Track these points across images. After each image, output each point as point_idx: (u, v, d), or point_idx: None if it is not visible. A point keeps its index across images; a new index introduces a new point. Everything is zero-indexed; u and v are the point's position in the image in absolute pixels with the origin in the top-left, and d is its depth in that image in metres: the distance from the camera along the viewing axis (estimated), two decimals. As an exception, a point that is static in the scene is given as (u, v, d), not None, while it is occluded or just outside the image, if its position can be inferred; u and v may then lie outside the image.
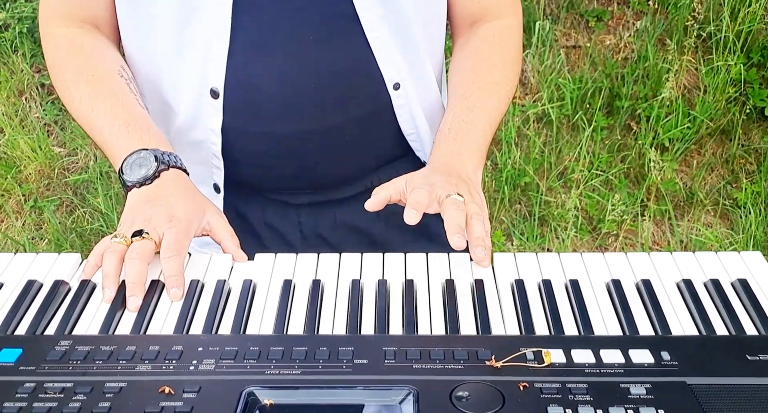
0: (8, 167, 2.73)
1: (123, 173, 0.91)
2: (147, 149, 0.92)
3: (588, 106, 2.88)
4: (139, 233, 0.85)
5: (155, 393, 0.67)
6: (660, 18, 3.09)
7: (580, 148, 2.74)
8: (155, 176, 0.90)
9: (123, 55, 1.06)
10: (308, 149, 1.02)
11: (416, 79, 1.03)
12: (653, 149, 2.76)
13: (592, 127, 2.76)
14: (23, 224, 2.63)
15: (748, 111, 2.85)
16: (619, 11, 3.23)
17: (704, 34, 2.97)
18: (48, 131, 2.86)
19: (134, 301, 0.81)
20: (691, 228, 2.66)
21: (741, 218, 2.62)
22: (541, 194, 2.64)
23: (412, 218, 0.84)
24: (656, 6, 3.11)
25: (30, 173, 2.73)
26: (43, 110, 2.86)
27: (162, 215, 0.87)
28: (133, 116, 0.96)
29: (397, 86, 1.01)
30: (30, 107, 2.90)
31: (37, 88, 2.92)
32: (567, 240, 2.53)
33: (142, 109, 0.99)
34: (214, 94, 0.97)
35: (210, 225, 0.92)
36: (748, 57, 2.93)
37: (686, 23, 2.94)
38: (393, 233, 1.15)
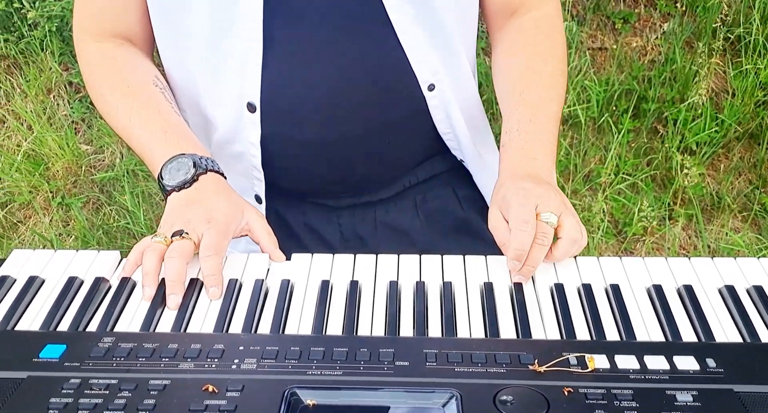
0: (36, 164, 2.75)
1: (162, 178, 0.92)
2: (185, 155, 0.93)
3: (614, 108, 2.86)
4: (179, 233, 0.85)
5: (199, 391, 0.68)
6: (688, 20, 3.06)
7: (607, 151, 2.72)
8: (194, 180, 0.91)
9: (160, 69, 1.07)
10: (347, 153, 1.02)
11: (453, 78, 1.03)
12: (680, 152, 2.73)
13: (619, 130, 2.74)
14: (50, 221, 2.66)
15: (777, 115, 2.82)
16: (646, 13, 3.20)
17: (732, 37, 2.94)
18: (75, 128, 2.89)
19: (174, 299, 0.82)
20: (719, 233, 2.63)
21: (769, 223, 2.58)
22: (567, 197, 2.62)
23: (515, 267, 0.84)
24: (684, 8, 3.08)
25: (57, 170, 2.76)
26: (71, 108, 2.89)
27: (201, 217, 0.88)
28: (170, 123, 0.97)
29: (431, 87, 1.01)
30: (58, 104, 2.93)
31: (65, 86, 2.95)
32: (592, 244, 2.51)
33: (178, 116, 1.00)
34: (251, 107, 0.98)
35: (249, 226, 0.92)
36: (777, 60, 2.89)
37: (714, 26, 2.90)
38: (432, 232, 1.14)
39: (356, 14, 0.95)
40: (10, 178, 2.72)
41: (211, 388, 0.68)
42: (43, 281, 0.87)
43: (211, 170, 0.93)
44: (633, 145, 2.81)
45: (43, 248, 2.62)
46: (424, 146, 1.09)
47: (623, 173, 2.70)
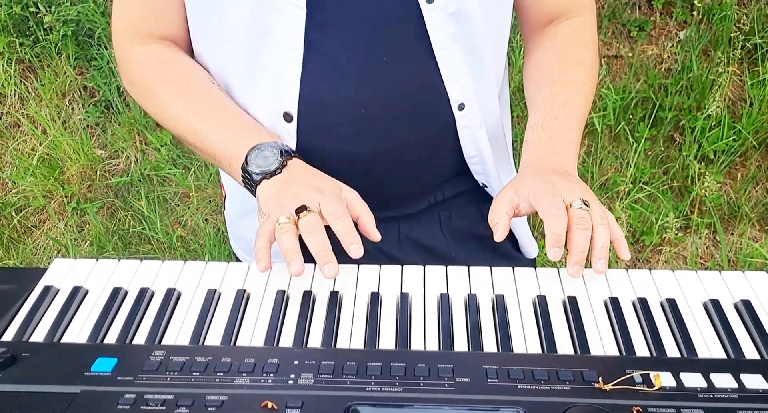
0: (51, 169, 2.74)
1: (248, 168, 0.90)
2: (267, 143, 0.92)
3: (630, 117, 2.85)
4: (301, 209, 0.84)
5: (258, 408, 0.66)
6: (704, 28, 3.05)
7: (623, 160, 2.71)
8: (283, 165, 0.90)
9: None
10: (379, 167, 1.01)
11: (480, 98, 1.02)
12: (697, 161, 2.72)
13: (635, 139, 2.73)
14: (65, 226, 2.64)
15: (795, 124, 2.80)
16: (662, 21, 3.19)
17: (750, 46, 2.93)
18: (90, 133, 2.88)
19: (332, 267, 0.81)
20: (737, 242, 2.62)
21: (789, 233, 2.57)
22: (584, 205, 2.61)
23: (556, 255, 0.82)
24: (700, 16, 3.07)
25: (72, 175, 2.75)
26: (86, 112, 2.88)
27: (309, 191, 0.86)
28: (239, 116, 0.96)
29: (461, 107, 1.00)
30: (72, 108, 2.92)
31: (79, 91, 2.94)
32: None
33: (242, 110, 0.98)
34: (288, 117, 0.96)
35: (347, 201, 0.90)
36: (795, 69, 2.88)
37: (732, 34, 2.89)
38: (458, 249, 1.13)
39: (396, 28, 0.93)
40: (25, 182, 2.71)
41: (270, 404, 0.66)
42: (86, 292, 0.86)
43: (294, 155, 0.92)
44: (650, 153, 2.80)
45: (58, 252, 2.60)
46: (450, 165, 1.07)
47: (641, 182, 2.69)
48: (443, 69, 0.95)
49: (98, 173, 2.77)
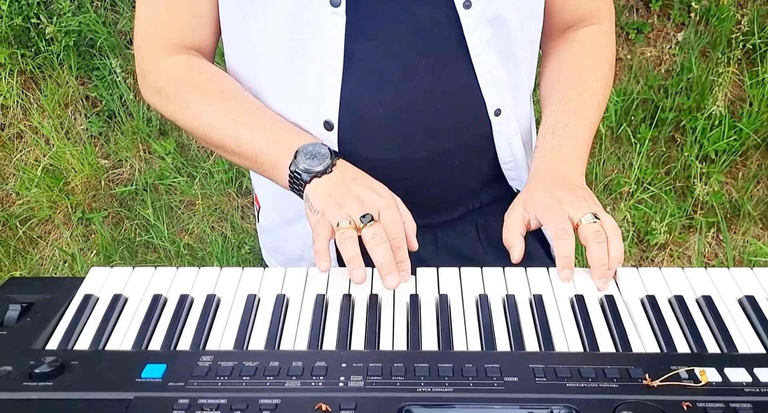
0: (56, 179, 2.74)
1: (297, 168, 0.91)
2: (313, 143, 0.93)
3: (632, 118, 2.87)
4: (367, 219, 0.85)
5: (312, 410, 0.67)
6: (702, 30, 3.08)
7: (626, 160, 2.73)
8: (333, 164, 0.91)
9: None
10: (417, 174, 1.01)
11: (516, 104, 1.03)
12: (699, 161, 2.74)
13: (637, 140, 2.75)
14: (71, 236, 2.64)
15: (794, 123, 2.83)
16: (660, 23, 3.22)
17: (748, 46, 2.95)
18: (93, 142, 2.87)
19: (393, 278, 0.83)
20: (740, 241, 2.64)
21: (792, 230, 2.59)
22: (589, 207, 2.63)
23: (568, 277, 0.86)
24: (698, 18, 3.10)
25: (77, 185, 2.74)
26: (89, 122, 2.88)
27: (369, 192, 0.88)
28: (279, 120, 0.97)
29: (497, 112, 1.01)
30: (75, 119, 2.91)
31: (82, 101, 2.94)
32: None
33: (280, 115, 0.99)
34: (329, 126, 0.97)
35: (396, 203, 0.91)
36: (793, 68, 2.91)
37: (730, 35, 2.92)
38: (493, 256, 1.13)
39: (434, 34, 0.94)
40: (30, 193, 2.70)
41: (324, 407, 0.67)
42: (126, 300, 0.86)
43: (339, 156, 0.93)
44: (651, 154, 2.82)
45: (65, 263, 2.60)
46: (486, 171, 1.08)
47: (644, 183, 2.71)
48: (480, 75, 0.96)
49: (102, 182, 2.77)
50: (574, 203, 0.88)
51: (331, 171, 0.90)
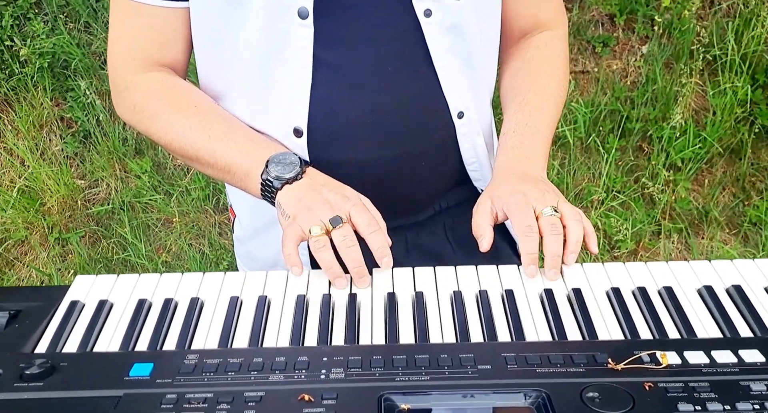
0: (32, 200, 2.74)
1: (269, 176, 0.94)
2: (284, 152, 0.97)
3: (600, 129, 2.95)
4: (336, 221, 0.89)
5: (296, 401, 0.70)
6: (665, 42, 3.17)
7: (596, 170, 2.80)
8: (303, 171, 0.95)
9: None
10: (386, 175, 1.06)
11: (477, 107, 1.08)
12: (666, 169, 2.82)
13: (606, 149, 2.82)
14: (48, 256, 2.64)
15: (756, 131, 2.93)
16: (625, 37, 3.31)
17: (710, 58, 3.05)
18: (69, 163, 2.88)
19: (366, 281, 0.89)
20: (708, 246, 2.71)
21: (757, 235, 2.67)
22: (561, 216, 2.69)
23: (533, 272, 0.90)
24: (661, 31, 3.20)
25: (53, 206, 2.74)
26: (64, 142, 2.89)
27: (338, 197, 0.92)
28: (250, 132, 1.01)
29: (461, 115, 1.06)
30: (50, 139, 2.92)
31: (57, 122, 2.95)
32: (588, 259, 2.57)
33: (250, 127, 1.02)
34: (298, 133, 1.01)
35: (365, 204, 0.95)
36: (753, 79, 3.01)
37: (692, 47, 3.02)
38: (462, 255, 1.18)
39: (398, 42, 0.99)
40: (6, 215, 2.70)
41: (307, 397, 0.70)
42: (112, 305, 0.89)
43: (309, 165, 0.98)
44: (620, 163, 2.89)
45: (42, 283, 2.59)
46: (452, 172, 1.13)
47: (613, 191, 2.78)
48: (442, 79, 1.01)
49: (79, 202, 2.77)
50: (538, 197, 0.93)
51: (301, 178, 0.94)
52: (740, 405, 0.68)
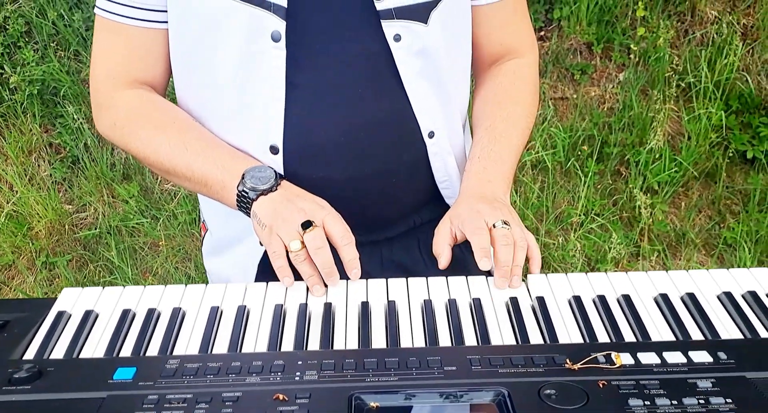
0: (20, 225, 2.77)
1: (245, 187, 1.00)
2: (259, 165, 1.02)
3: (579, 153, 3.02)
4: (306, 225, 0.94)
5: (270, 400, 0.74)
6: (641, 70, 3.27)
7: (575, 193, 2.86)
8: (278, 183, 1.00)
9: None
10: (360, 192, 1.11)
11: (448, 126, 1.14)
12: (643, 192, 2.89)
13: (584, 173, 2.89)
14: (35, 280, 2.66)
15: (730, 155, 3.01)
16: (602, 64, 3.41)
17: (684, 84, 3.14)
18: (57, 188, 2.92)
19: (335, 280, 0.95)
20: (685, 267, 2.77)
21: (732, 256, 2.73)
22: (541, 237, 2.75)
23: (486, 264, 0.94)
24: (637, 59, 3.29)
25: (41, 230, 2.77)
26: (53, 168, 2.92)
27: (312, 205, 0.97)
28: (226, 147, 1.06)
29: (431, 135, 1.11)
30: (39, 165, 2.96)
31: (45, 148, 2.99)
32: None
33: (227, 143, 1.08)
34: (274, 150, 1.06)
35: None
36: (727, 104, 3.10)
37: (667, 74, 3.11)
38: (432, 268, 1.22)
39: (369, 64, 1.05)
40: (-7, 239, 2.73)
41: (281, 397, 0.74)
42: (97, 315, 0.93)
43: (283, 178, 1.03)
44: (599, 187, 2.96)
45: (28, 307, 2.61)
46: (424, 189, 1.18)
47: (592, 213, 2.84)
48: (413, 100, 1.07)
49: (66, 227, 2.80)
50: (490, 212, 0.99)
51: (276, 189, 0.99)
52: (686, 400, 0.72)
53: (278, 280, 0.97)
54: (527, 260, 1.00)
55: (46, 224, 2.78)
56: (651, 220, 2.84)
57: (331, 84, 1.04)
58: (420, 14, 1.04)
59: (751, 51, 3.30)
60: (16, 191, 2.84)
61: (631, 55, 3.27)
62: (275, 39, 1.00)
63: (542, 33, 3.40)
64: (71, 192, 2.92)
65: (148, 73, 1.11)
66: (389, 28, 1.03)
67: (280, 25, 1.00)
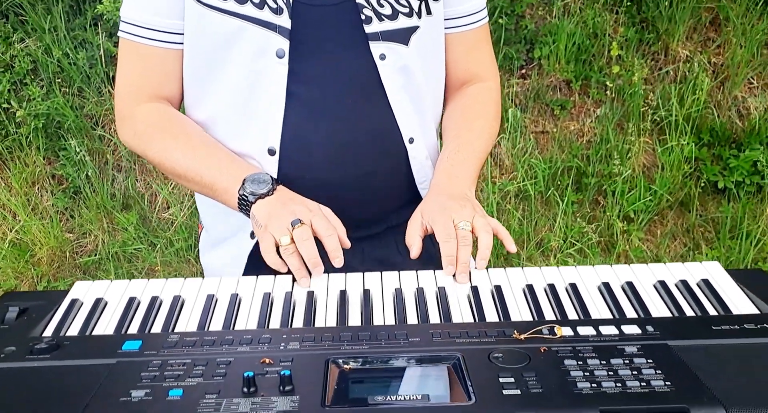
0: (22, 251, 2.88)
1: (245, 191, 1.12)
2: (258, 172, 1.15)
3: (559, 183, 3.17)
4: (295, 223, 1.07)
5: (258, 363, 0.86)
6: (617, 105, 3.44)
7: (555, 221, 3.00)
8: (274, 189, 1.13)
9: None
10: (347, 192, 1.25)
11: (425, 133, 1.30)
12: (620, 220, 3.03)
13: (564, 202, 3.03)
14: (36, 304, 2.76)
15: (703, 185, 3.16)
16: (580, 100, 3.58)
17: (657, 118, 3.31)
18: (59, 217, 3.04)
19: (320, 270, 1.06)
20: (661, 290, 2.89)
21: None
22: (522, 262, 2.87)
23: (450, 272, 1.07)
24: (613, 95, 3.47)
25: (42, 257, 2.89)
26: (55, 198, 3.05)
27: (302, 208, 1.10)
28: (230, 155, 1.21)
29: (411, 140, 1.27)
30: (42, 195, 3.09)
31: (48, 179, 3.12)
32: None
33: (231, 151, 1.22)
34: (271, 152, 1.21)
35: (326, 216, 1.12)
36: (699, 137, 3.27)
37: (641, 109, 3.28)
38: (411, 264, 1.35)
39: (359, 79, 1.21)
40: (-3, 265, 2.84)
41: (267, 360, 0.86)
42: (106, 303, 1.05)
43: (280, 183, 1.16)
44: (578, 215, 3.10)
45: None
46: (405, 190, 1.32)
47: (571, 239, 2.97)
48: (395, 111, 1.23)
49: (67, 253, 2.92)
50: (457, 210, 1.12)
51: (272, 194, 1.13)
52: (614, 361, 0.85)
53: (267, 273, 1.10)
54: (500, 240, 1.13)
55: (48, 251, 2.90)
56: (628, 246, 2.97)
57: (326, 95, 1.19)
58: (402, 37, 1.21)
59: (721, 88, 3.48)
60: (20, 220, 2.97)
61: (608, 92, 3.44)
62: (279, 56, 1.16)
63: (523, 71, 3.58)
64: (72, 221, 3.04)
65: (165, 89, 1.25)
66: (376, 48, 1.19)
67: (284, 44, 1.16)
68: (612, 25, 3.50)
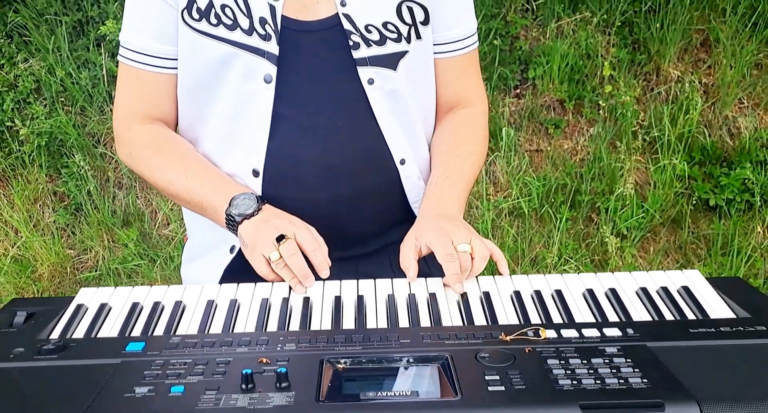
0: (23, 267, 2.92)
1: (232, 212, 1.17)
2: (245, 193, 1.20)
3: (553, 200, 3.22)
4: (280, 238, 1.11)
5: (255, 363, 0.90)
6: (610, 124, 3.50)
7: (550, 238, 3.05)
8: (259, 208, 1.18)
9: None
10: (338, 212, 1.29)
11: (416, 154, 1.33)
12: (614, 237, 3.08)
13: (558, 219, 3.08)
14: (37, 319, 2.80)
15: (694, 202, 3.21)
16: (574, 119, 3.65)
17: (649, 138, 3.37)
18: (60, 234, 3.08)
19: (311, 280, 1.12)
20: (654, 306, 2.93)
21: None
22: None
23: (460, 289, 1.10)
24: (606, 115, 3.53)
25: (43, 272, 2.93)
26: (57, 214, 3.10)
27: (285, 222, 1.15)
28: (220, 175, 1.25)
29: (402, 161, 1.30)
30: (43, 212, 3.14)
31: (50, 196, 3.17)
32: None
33: (221, 171, 1.26)
34: (255, 173, 1.25)
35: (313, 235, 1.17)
36: (690, 156, 3.33)
37: (633, 128, 3.35)
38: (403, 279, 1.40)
39: (347, 103, 1.25)
40: (-2, 280, 2.88)
41: (264, 360, 0.91)
42: (110, 308, 1.09)
43: (266, 202, 1.20)
44: (572, 232, 3.15)
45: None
46: (397, 211, 1.36)
47: (565, 256, 3.02)
48: (385, 134, 1.27)
49: (68, 269, 2.96)
50: (454, 231, 1.16)
51: (258, 214, 1.17)
52: (594, 360, 0.89)
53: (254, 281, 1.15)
54: (495, 263, 1.17)
55: (49, 267, 2.94)
56: (621, 263, 3.01)
57: (313, 118, 1.23)
58: (390, 62, 1.25)
59: (712, 107, 3.54)
60: (21, 236, 3.01)
61: (601, 111, 3.51)
62: (267, 81, 1.20)
63: (518, 91, 3.65)
64: (74, 237, 3.08)
65: (160, 110, 1.30)
66: (364, 73, 1.23)
67: (272, 70, 1.20)
68: (604, 46, 3.58)
